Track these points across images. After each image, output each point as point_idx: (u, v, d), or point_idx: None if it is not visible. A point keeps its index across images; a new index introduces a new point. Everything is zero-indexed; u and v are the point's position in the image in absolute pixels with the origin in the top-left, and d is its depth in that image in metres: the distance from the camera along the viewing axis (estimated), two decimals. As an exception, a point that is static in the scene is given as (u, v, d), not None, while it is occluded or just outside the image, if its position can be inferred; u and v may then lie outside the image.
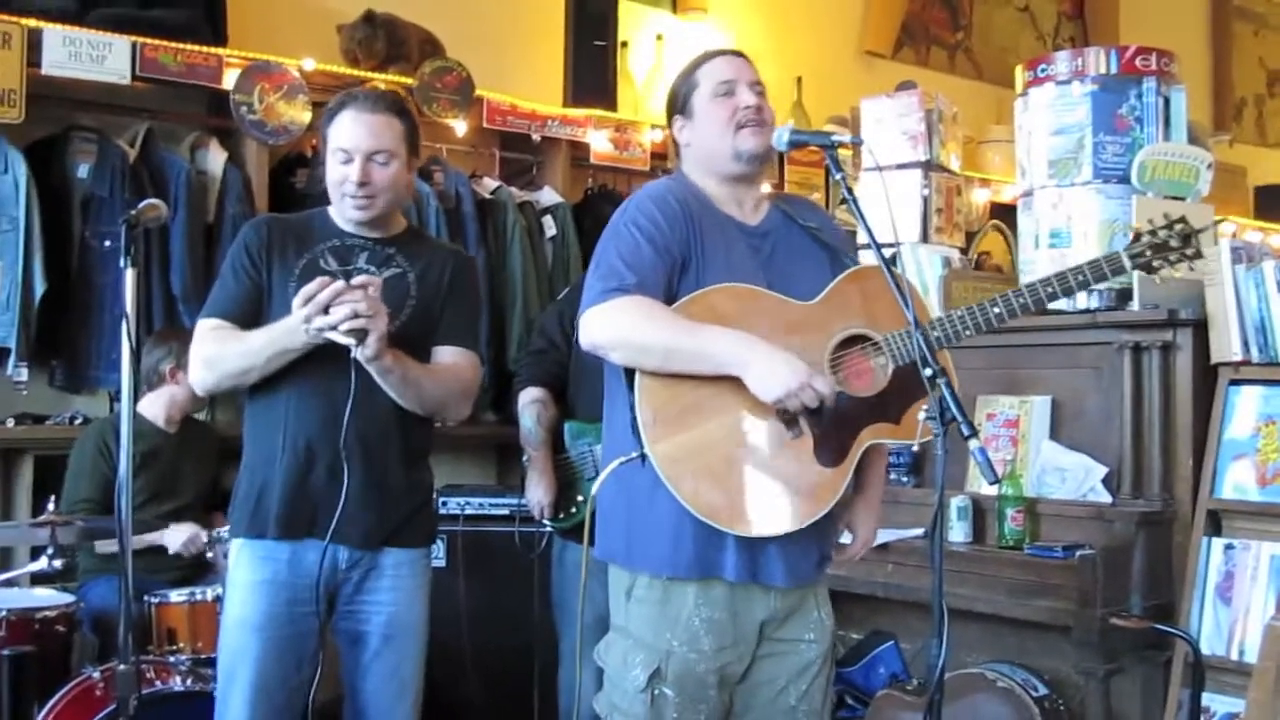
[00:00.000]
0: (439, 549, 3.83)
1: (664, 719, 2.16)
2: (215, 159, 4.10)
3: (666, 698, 2.16)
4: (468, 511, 3.98)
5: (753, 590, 2.20)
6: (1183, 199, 3.42)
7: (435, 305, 2.58)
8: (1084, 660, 3.07)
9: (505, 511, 3.91)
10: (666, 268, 2.16)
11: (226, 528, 3.04)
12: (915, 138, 4.00)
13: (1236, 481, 3.12)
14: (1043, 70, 3.63)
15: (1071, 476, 3.34)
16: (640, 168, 4.97)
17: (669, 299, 2.15)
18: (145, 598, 3.17)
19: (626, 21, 5.25)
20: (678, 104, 2.35)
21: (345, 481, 2.43)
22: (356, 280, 2.38)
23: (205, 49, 3.99)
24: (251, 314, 2.50)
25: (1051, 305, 3.26)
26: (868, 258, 2.42)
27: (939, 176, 4.02)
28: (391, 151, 2.50)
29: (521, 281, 4.55)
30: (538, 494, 3.47)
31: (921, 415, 2.04)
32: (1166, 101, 3.52)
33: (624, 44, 5.25)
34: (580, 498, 3.42)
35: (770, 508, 2.12)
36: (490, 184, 4.70)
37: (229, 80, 4.02)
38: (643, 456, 2.09)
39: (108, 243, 3.79)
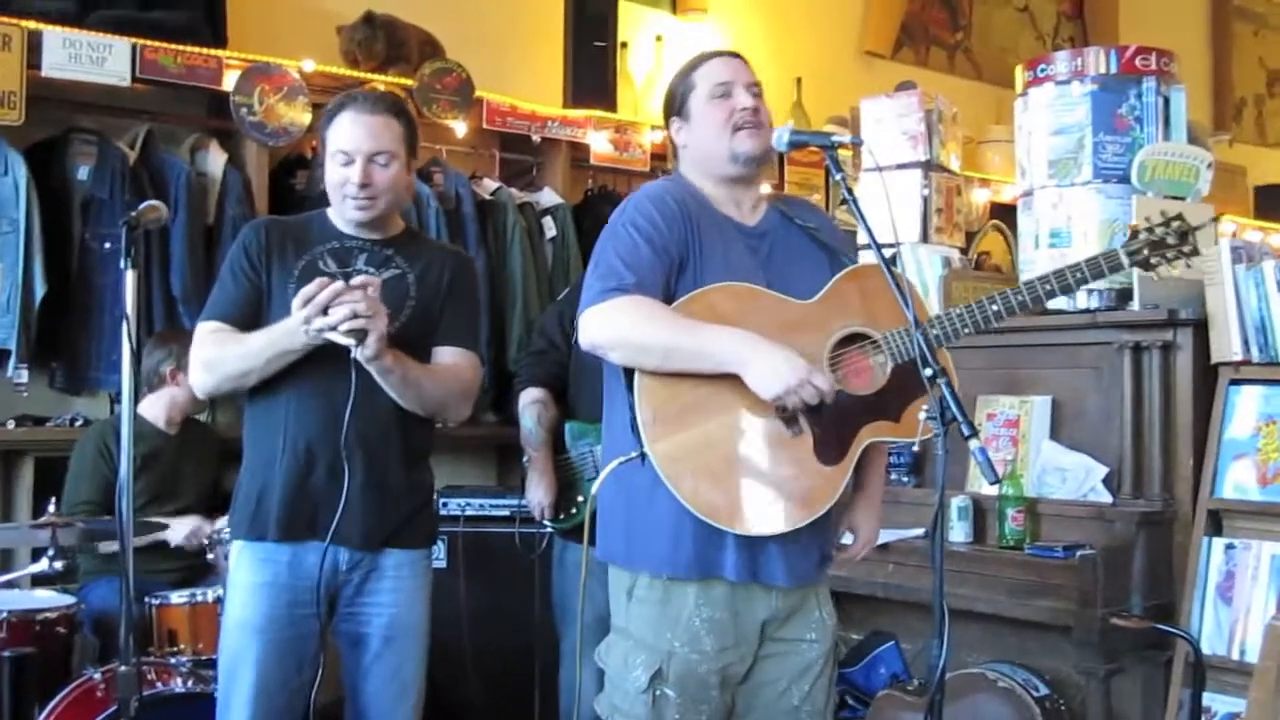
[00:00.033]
0: (439, 550, 3.82)
1: (665, 720, 2.16)
2: (215, 161, 4.10)
3: (668, 698, 2.16)
4: (468, 512, 3.98)
5: (754, 590, 2.20)
6: (1183, 199, 3.42)
7: (435, 306, 2.58)
8: (1085, 660, 3.07)
9: (506, 512, 3.90)
10: (665, 268, 2.16)
11: (227, 529, 3.04)
12: (915, 138, 3.99)
13: (1237, 481, 3.12)
14: (1042, 70, 3.63)
15: (1072, 476, 3.34)
16: (640, 169, 4.97)
17: (667, 299, 2.15)
18: (146, 599, 3.17)
19: (626, 22, 5.25)
20: (675, 105, 2.35)
21: (345, 482, 2.42)
22: (355, 281, 2.38)
23: (205, 51, 3.99)
24: (251, 316, 2.49)
25: (1051, 305, 3.30)
26: (868, 258, 2.42)
27: (939, 176, 4.01)
28: (391, 153, 2.50)
29: (521, 282, 4.55)
30: (538, 495, 3.46)
31: (922, 414, 2.04)
32: (1166, 101, 3.52)
33: (624, 45, 5.25)
34: (581, 498, 3.42)
35: (770, 506, 2.12)
36: (490, 185, 4.70)
37: (229, 82, 4.02)
38: (642, 456, 2.09)
39: (108, 244, 3.79)
